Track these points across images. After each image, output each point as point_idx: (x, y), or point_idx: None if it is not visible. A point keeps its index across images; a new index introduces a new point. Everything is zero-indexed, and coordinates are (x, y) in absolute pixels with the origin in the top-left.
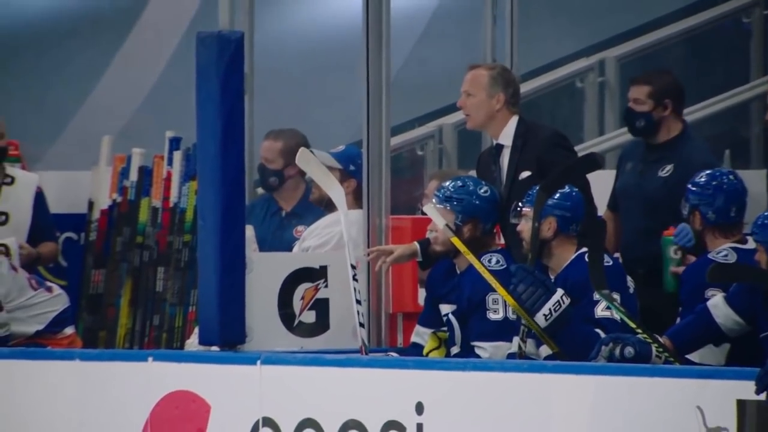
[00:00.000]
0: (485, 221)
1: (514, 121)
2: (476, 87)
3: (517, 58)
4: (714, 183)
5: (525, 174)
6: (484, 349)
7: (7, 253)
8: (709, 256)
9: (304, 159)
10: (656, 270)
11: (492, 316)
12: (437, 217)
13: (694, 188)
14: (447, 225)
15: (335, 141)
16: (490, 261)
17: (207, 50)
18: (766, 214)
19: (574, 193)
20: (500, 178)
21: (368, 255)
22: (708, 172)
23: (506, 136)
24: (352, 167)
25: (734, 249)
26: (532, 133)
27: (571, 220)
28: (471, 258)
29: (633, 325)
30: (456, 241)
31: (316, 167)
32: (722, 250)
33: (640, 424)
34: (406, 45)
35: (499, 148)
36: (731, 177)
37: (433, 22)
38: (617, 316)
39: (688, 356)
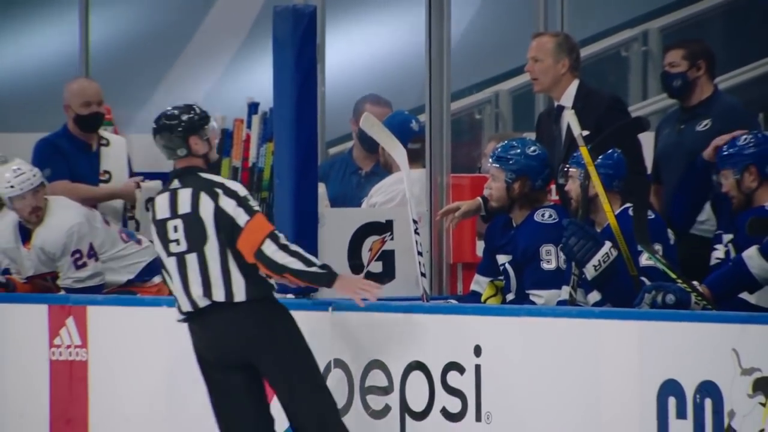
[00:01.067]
0: (535, 178)
1: (575, 84)
2: (543, 53)
3: (568, 29)
4: (760, 139)
5: (584, 133)
6: (539, 296)
7: (133, 206)
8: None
9: (368, 123)
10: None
11: (545, 266)
12: (575, 123)
13: (747, 145)
14: (581, 134)
15: (401, 106)
16: (543, 215)
17: (283, 22)
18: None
19: (616, 154)
20: (560, 137)
21: (438, 214)
22: (755, 132)
23: (568, 98)
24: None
25: None
26: (591, 97)
27: (614, 177)
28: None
29: (673, 276)
30: (583, 150)
31: (380, 130)
32: None
33: (680, 364)
34: (465, 16)
35: (560, 109)
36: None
37: None
38: (659, 265)
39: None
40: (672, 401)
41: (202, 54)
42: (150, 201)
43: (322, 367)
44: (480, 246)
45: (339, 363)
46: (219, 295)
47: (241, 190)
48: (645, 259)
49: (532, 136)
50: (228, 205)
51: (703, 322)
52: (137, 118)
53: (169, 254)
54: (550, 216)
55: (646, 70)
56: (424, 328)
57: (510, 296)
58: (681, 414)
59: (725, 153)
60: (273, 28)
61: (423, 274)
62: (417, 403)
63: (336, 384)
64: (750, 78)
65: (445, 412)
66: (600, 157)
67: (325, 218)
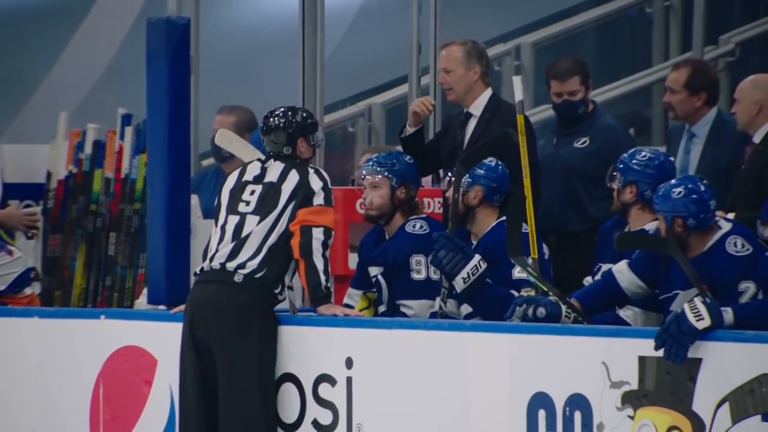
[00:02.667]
0: (415, 185)
1: (487, 94)
2: (453, 62)
3: (441, 43)
4: (656, 163)
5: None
6: (409, 306)
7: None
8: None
9: (224, 139)
10: (568, 236)
11: (415, 276)
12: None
13: (635, 165)
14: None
15: None
16: (414, 226)
17: (156, 34)
18: (664, 186)
19: (500, 167)
20: (463, 143)
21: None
22: (647, 152)
23: (477, 106)
24: None
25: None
26: (501, 108)
27: (496, 190)
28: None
29: (545, 288)
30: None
31: (238, 144)
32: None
33: (550, 377)
34: (339, 31)
35: (468, 116)
36: (668, 158)
37: (363, 10)
38: (531, 278)
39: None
40: (542, 414)
41: (75, 64)
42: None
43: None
44: (352, 258)
45: None
46: (245, 256)
47: (329, 182)
48: (518, 271)
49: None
50: (315, 183)
51: (573, 336)
52: (9, 128)
53: (234, 212)
54: (421, 227)
55: (525, 84)
56: (294, 339)
57: (382, 308)
58: (551, 426)
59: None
60: (146, 40)
61: (290, 287)
62: (288, 415)
63: None
64: (621, 93)
65: (316, 424)
66: (483, 169)
67: (197, 229)
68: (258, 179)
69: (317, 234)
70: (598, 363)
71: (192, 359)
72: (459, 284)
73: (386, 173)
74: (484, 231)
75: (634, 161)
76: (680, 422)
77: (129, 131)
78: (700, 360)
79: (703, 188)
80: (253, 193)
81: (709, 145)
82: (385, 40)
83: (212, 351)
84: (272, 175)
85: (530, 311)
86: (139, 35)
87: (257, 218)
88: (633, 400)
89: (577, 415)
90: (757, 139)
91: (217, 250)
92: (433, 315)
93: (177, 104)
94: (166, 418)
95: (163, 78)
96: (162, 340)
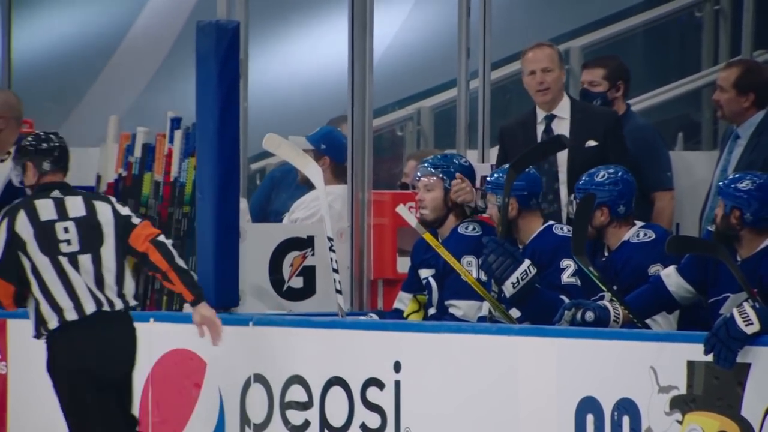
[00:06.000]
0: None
1: (567, 98)
2: (552, 63)
3: (490, 47)
4: (616, 178)
5: (591, 143)
6: (458, 307)
7: None
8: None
9: (272, 143)
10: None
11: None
12: (410, 217)
13: (600, 186)
14: (418, 224)
15: (324, 122)
16: (466, 228)
17: (206, 38)
18: (735, 174)
19: (530, 171)
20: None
21: None
22: (604, 170)
23: (563, 109)
24: (323, 146)
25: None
26: (589, 109)
27: (530, 196)
28: (443, 252)
29: (604, 288)
30: (428, 237)
31: (287, 149)
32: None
33: (598, 382)
34: (388, 32)
35: (550, 118)
36: (627, 172)
37: (413, 13)
38: (593, 278)
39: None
40: (590, 418)
41: (124, 69)
42: None
43: (242, 382)
44: (401, 262)
45: (259, 378)
46: (113, 296)
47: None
48: (567, 277)
49: (453, 152)
50: (122, 209)
51: (621, 340)
52: (60, 132)
53: (59, 254)
54: (474, 229)
55: (567, 88)
56: (344, 343)
57: (431, 310)
58: (599, 431)
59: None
60: (196, 43)
61: (339, 291)
62: (336, 419)
63: (256, 399)
64: (669, 98)
65: (364, 427)
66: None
67: (246, 233)
68: (62, 215)
69: (163, 238)
70: (646, 367)
71: (98, 400)
72: (509, 289)
73: (441, 175)
74: (531, 237)
75: (595, 184)
76: (729, 427)
77: (178, 135)
78: (749, 365)
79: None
80: (67, 230)
81: (749, 147)
82: (434, 43)
83: (118, 388)
84: (77, 210)
85: (579, 315)
86: (190, 38)
87: (89, 255)
88: (681, 404)
89: (626, 420)
90: None
91: (76, 296)
92: (482, 319)
93: (226, 107)
94: (215, 420)
95: (212, 81)
96: (211, 342)
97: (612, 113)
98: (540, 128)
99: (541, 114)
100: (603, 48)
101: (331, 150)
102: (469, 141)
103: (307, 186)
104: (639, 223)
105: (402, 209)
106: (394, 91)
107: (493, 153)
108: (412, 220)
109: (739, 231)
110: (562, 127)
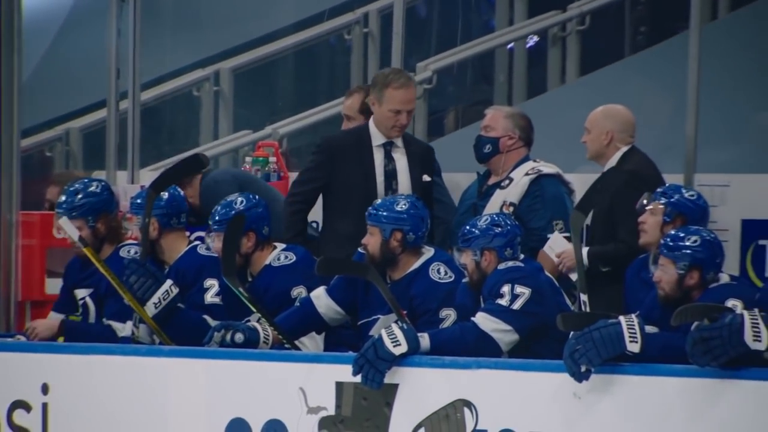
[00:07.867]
0: (112, 214)
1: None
2: (415, 102)
3: (140, 68)
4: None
5: (426, 178)
6: (119, 329)
7: None
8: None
9: None
10: None
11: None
12: (71, 229)
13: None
14: (80, 237)
15: None
16: (129, 252)
17: None
18: (390, 198)
19: (174, 191)
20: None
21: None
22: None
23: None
24: None
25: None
26: (412, 142)
27: (170, 216)
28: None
29: (254, 309)
30: (88, 251)
31: None
32: None
33: (249, 403)
34: (37, 52)
35: (389, 144)
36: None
37: (62, 33)
38: (243, 299)
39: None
40: None
41: None
42: None
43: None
44: (50, 283)
45: None
46: None
47: None
48: (210, 297)
49: (102, 174)
50: None
51: (272, 361)
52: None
53: None
54: (129, 251)
55: (217, 109)
56: None
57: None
58: None
59: None
60: None
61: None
62: None
63: None
64: (318, 120)
65: None
66: (163, 200)
67: None
68: None
69: None
70: (296, 388)
71: None
72: (150, 309)
73: (74, 214)
74: (175, 257)
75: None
76: None
77: None
78: (396, 385)
79: (422, 206)
80: None
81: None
82: (84, 63)
83: None
84: None
85: (228, 337)
86: None
87: None
88: (330, 425)
89: None
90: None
91: None
92: (126, 340)
93: None
94: None
95: None
96: None
97: (430, 148)
98: (378, 152)
99: (379, 138)
100: (253, 70)
101: None
102: (119, 162)
103: None
104: (280, 246)
105: (65, 222)
106: (43, 112)
107: (144, 174)
108: (74, 233)
109: (400, 254)
110: (399, 155)
